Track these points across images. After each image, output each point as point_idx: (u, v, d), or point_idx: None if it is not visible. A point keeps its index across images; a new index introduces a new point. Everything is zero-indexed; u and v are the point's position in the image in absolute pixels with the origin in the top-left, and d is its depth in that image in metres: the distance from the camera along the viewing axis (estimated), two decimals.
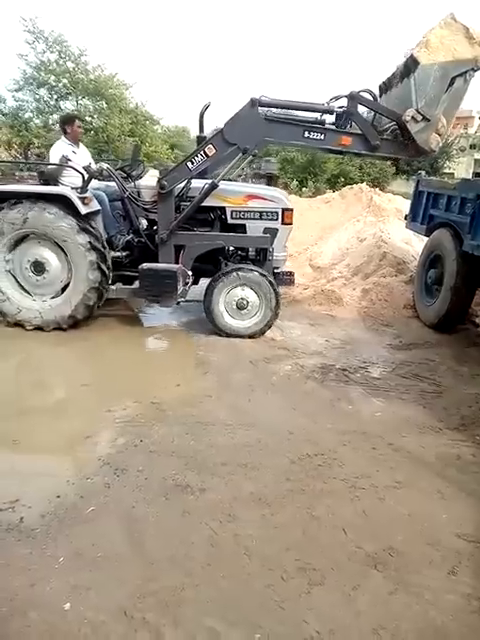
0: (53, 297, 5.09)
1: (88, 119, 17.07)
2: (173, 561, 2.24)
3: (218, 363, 4.51)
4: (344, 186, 13.56)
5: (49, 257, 4.98)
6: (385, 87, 5.27)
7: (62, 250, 4.92)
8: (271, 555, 2.30)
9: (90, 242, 4.84)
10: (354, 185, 12.11)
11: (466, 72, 4.33)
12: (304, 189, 17.97)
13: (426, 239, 6.46)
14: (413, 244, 7.79)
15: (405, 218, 7.30)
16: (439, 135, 4.55)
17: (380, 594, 2.14)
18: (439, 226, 6.02)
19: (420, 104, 4.39)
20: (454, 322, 5.67)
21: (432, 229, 6.21)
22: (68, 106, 17.84)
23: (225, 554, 2.30)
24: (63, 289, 5.06)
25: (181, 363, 4.63)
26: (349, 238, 8.71)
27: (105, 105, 17.46)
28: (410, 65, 4.40)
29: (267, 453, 3.11)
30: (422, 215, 6.53)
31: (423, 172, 7.39)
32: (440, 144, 4.64)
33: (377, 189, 11.84)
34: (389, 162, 19.37)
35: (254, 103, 4.67)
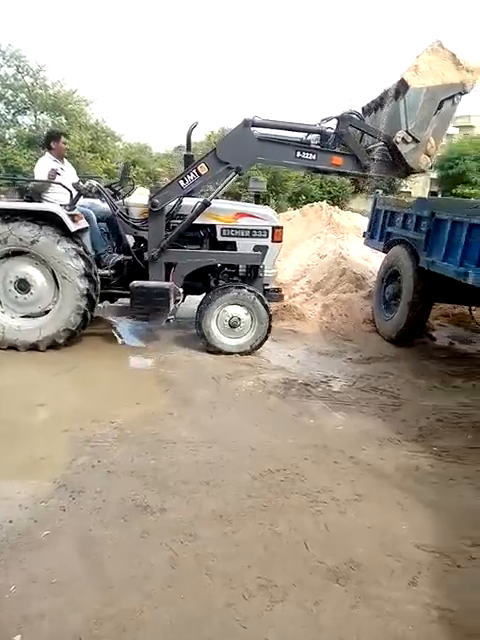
0: (23, 317, 4.95)
1: None
2: (132, 583, 2.18)
3: (180, 380, 4.47)
4: (305, 204, 13.83)
5: (38, 281, 4.87)
6: (369, 109, 5.46)
7: (55, 280, 4.84)
8: (232, 573, 2.26)
9: (88, 289, 4.80)
10: (314, 203, 12.36)
11: (454, 96, 4.57)
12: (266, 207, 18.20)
13: (384, 255, 6.63)
14: (371, 260, 7.98)
15: (363, 235, 7.50)
16: (428, 156, 4.74)
17: (342, 608, 2.13)
18: (396, 243, 6.20)
19: (410, 126, 4.57)
20: (411, 336, 5.82)
21: (389, 246, 6.39)
22: (26, 121, 17.64)
23: (186, 574, 2.25)
24: (39, 313, 4.94)
25: (142, 380, 4.56)
26: (310, 255, 8.85)
27: (65, 120, 17.33)
28: (400, 88, 4.58)
29: (229, 470, 3.08)
30: (380, 232, 6.73)
31: (380, 191, 7.62)
32: (430, 164, 4.83)
33: (337, 207, 12.12)
34: (349, 180, 19.88)
35: (247, 123, 4.75)
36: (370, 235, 7.13)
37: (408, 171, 4.93)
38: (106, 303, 5.33)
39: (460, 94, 4.60)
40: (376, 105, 5.28)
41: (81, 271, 4.76)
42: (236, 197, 11.68)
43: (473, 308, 6.38)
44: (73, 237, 4.80)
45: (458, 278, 4.65)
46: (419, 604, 2.18)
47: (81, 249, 4.82)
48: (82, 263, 4.77)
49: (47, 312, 4.93)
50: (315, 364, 5.21)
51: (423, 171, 4.93)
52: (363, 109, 5.54)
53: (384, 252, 6.61)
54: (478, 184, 20.74)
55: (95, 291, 4.90)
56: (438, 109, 4.58)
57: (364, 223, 8.53)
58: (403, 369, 5.08)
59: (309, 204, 12.45)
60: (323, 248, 8.86)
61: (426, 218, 5.36)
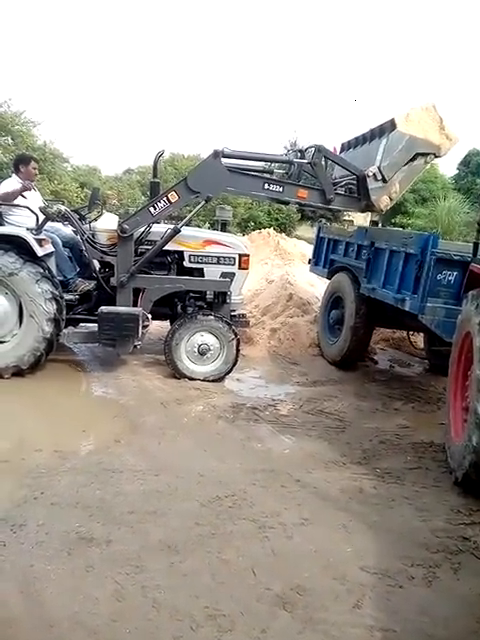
0: None
1: None
2: (75, 620, 2.11)
3: (128, 406, 4.41)
4: (253, 230, 14.12)
5: (2, 307, 4.72)
6: (348, 145, 5.81)
7: (20, 314, 4.71)
8: (180, 604, 2.24)
9: (55, 313, 4.69)
10: (262, 229, 12.64)
11: (428, 154, 4.96)
12: None
13: (328, 282, 6.86)
14: (316, 286, 8.23)
15: (309, 262, 7.74)
16: (390, 199, 5.07)
17: (288, 635, 2.15)
18: (339, 270, 6.44)
19: (384, 163, 4.90)
20: (355, 359, 6.01)
21: (333, 272, 6.64)
22: None
23: (132, 608, 2.20)
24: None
25: (88, 407, 4.46)
26: (258, 280, 9.00)
27: (11, 141, 16.99)
28: (387, 127, 4.94)
29: (177, 498, 3.06)
30: (324, 259, 6.99)
31: (324, 219, 7.93)
32: (389, 206, 5.18)
33: (283, 234, 12.44)
34: (294, 208, 20.43)
35: (217, 154, 4.90)
36: (315, 262, 7.37)
37: (368, 207, 5.23)
38: (70, 329, 5.24)
39: (434, 156, 5.03)
40: (357, 142, 5.64)
41: (48, 295, 4.67)
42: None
43: (411, 333, 6.69)
44: (39, 261, 4.72)
45: (396, 304, 4.89)
46: (363, 627, 2.22)
47: (47, 272, 4.74)
48: (48, 286, 4.69)
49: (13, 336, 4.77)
50: (263, 388, 5.28)
51: (381, 211, 5.26)
52: (343, 145, 5.93)
53: (328, 278, 6.84)
54: (414, 214, 21.84)
55: (61, 315, 4.81)
56: (411, 160, 4.95)
57: (309, 250, 8.81)
58: (347, 392, 5.23)
59: (257, 230, 12.72)
60: (270, 273, 9.05)
61: (366, 247, 5.62)
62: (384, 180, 4.91)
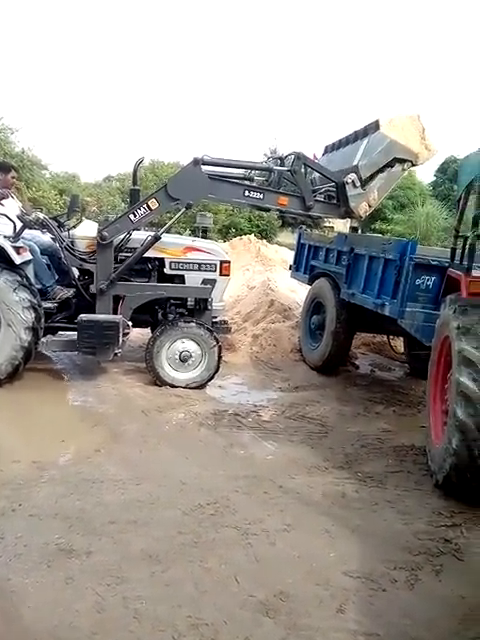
0: None
1: None
2: (55, 634, 2.07)
3: (108, 414, 4.36)
4: (235, 237, 14.16)
5: None
6: (331, 147, 5.86)
7: None
8: (162, 615, 2.20)
9: (33, 322, 4.60)
10: (243, 236, 12.68)
11: (406, 161, 5.05)
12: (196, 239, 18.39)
13: (309, 287, 6.90)
14: (297, 292, 8.27)
15: (290, 268, 7.79)
16: (369, 206, 5.15)
17: None
18: (319, 276, 6.49)
19: (362, 162, 4.96)
20: (336, 364, 6.04)
21: (313, 278, 6.68)
22: None
23: (113, 619, 2.16)
24: None
25: (68, 416, 4.39)
26: (240, 286, 9.02)
27: None
28: (370, 128, 5.03)
29: (159, 507, 3.03)
30: (304, 265, 7.04)
31: (304, 226, 7.99)
32: (368, 213, 5.26)
33: (264, 240, 12.49)
34: (275, 215, 20.56)
35: (197, 162, 4.91)
36: (296, 268, 7.42)
37: (348, 213, 5.30)
38: (49, 337, 5.16)
39: (411, 163, 5.12)
40: (340, 144, 5.70)
41: (26, 303, 4.60)
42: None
43: (391, 337, 6.76)
44: (17, 269, 4.65)
45: (376, 309, 4.94)
46: (347, 631, 2.22)
47: (24, 280, 4.67)
48: (26, 294, 4.62)
49: None
50: (245, 394, 5.28)
51: (361, 217, 5.34)
52: (326, 148, 5.97)
53: (309, 284, 6.89)
54: (393, 220, 22.17)
55: (39, 324, 4.74)
56: (388, 165, 5.03)
57: (290, 256, 8.85)
58: (329, 397, 5.25)
59: (238, 237, 12.76)
60: (252, 280, 9.07)
61: (346, 253, 5.67)
62: (362, 185, 4.97)
